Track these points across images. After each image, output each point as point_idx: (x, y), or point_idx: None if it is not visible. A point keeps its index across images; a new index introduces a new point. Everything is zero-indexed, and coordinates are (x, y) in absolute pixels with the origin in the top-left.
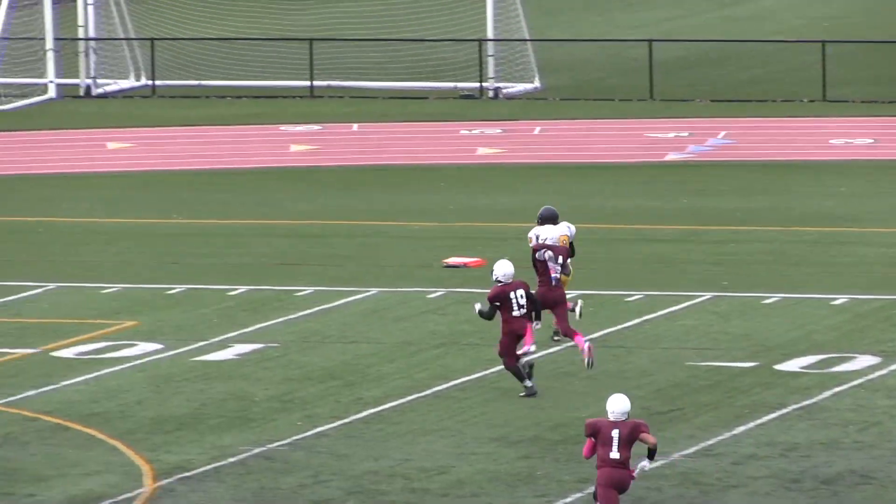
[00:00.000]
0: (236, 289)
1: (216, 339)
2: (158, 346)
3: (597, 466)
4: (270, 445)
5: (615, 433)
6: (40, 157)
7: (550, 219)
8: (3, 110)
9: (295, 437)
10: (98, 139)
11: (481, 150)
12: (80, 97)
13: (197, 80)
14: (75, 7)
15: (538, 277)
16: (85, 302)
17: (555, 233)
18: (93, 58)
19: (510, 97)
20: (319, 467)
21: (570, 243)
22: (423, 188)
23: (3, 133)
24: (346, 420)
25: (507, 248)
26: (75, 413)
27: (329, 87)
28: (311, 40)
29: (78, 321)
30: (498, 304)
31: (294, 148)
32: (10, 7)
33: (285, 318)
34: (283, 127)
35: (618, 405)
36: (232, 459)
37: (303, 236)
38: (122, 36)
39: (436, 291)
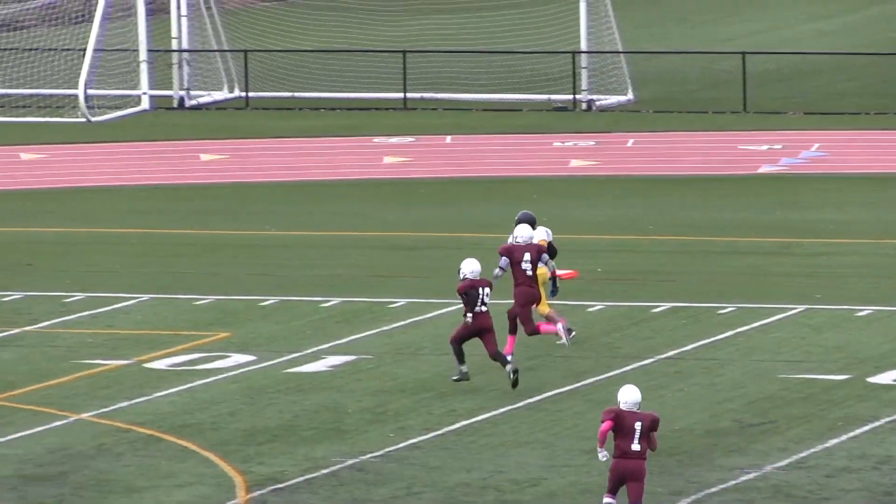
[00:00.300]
0: (329, 300)
1: (309, 351)
2: (251, 358)
3: (615, 456)
4: (363, 457)
5: (638, 425)
6: (133, 168)
7: (529, 222)
8: (96, 122)
9: (387, 449)
10: (191, 151)
11: (574, 162)
12: (174, 109)
13: (290, 91)
14: (169, 19)
15: (514, 279)
16: (178, 313)
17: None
18: (186, 69)
19: (603, 109)
20: (412, 479)
21: (549, 244)
22: (516, 200)
23: (96, 144)
24: (438, 432)
25: (598, 259)
26: (168, 424)
27: (422, 98)
28: (404, 52)
29: (171, 333)
30: (465, 296)
31: (387, 160)
32: (104, 19)
33: (378, 329)
34: (376, 139)
35: (632, 396)
36: (324, 471)
37: (395, 248)
38: (215, 47)
39: None
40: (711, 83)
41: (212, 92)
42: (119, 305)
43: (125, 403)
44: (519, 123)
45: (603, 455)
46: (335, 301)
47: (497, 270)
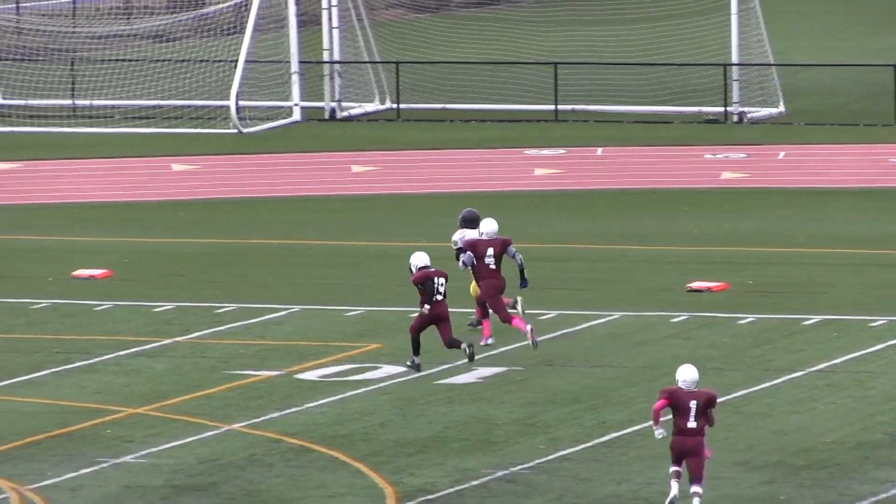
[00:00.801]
0: None
1: (460, 362)
2: (402, 369)
3: (673, 434)
4: (513, 469)
5: (693, 404)
6: (285, 179)
7: (472, 221)
8: (248, 133)
9: (538, 461)
10: (343, 162)
11: (725, 175)
12: (325, 120)
13: (441, 103)
14: (320, 30)
15: (475, 273)
16: (328, 324)
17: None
18: (337, 81)
19: (755, 121)
20: (562, 491)
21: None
22: (667, 212)
23: (247, 156)
24: (588, 444)
25: (749, 272)
26: (319, 435)
27: (573, 110)
28: (555, 64)
29: (322, 344)
30: (421, 286)
31: (538, 171)
32: (256, 30)
33: (528, 341)
34: (527, 150)
35: (689, 374)
36: (474, 483)
37: (546, 260)
38: (366, 59)
39: (679, 315)
40: (863, 95)
41: (363, 103)
42: (270, 316)
43: (276, 414)
44: (670, 135)
45: (658, 432)
46: None
47: (461, 265)
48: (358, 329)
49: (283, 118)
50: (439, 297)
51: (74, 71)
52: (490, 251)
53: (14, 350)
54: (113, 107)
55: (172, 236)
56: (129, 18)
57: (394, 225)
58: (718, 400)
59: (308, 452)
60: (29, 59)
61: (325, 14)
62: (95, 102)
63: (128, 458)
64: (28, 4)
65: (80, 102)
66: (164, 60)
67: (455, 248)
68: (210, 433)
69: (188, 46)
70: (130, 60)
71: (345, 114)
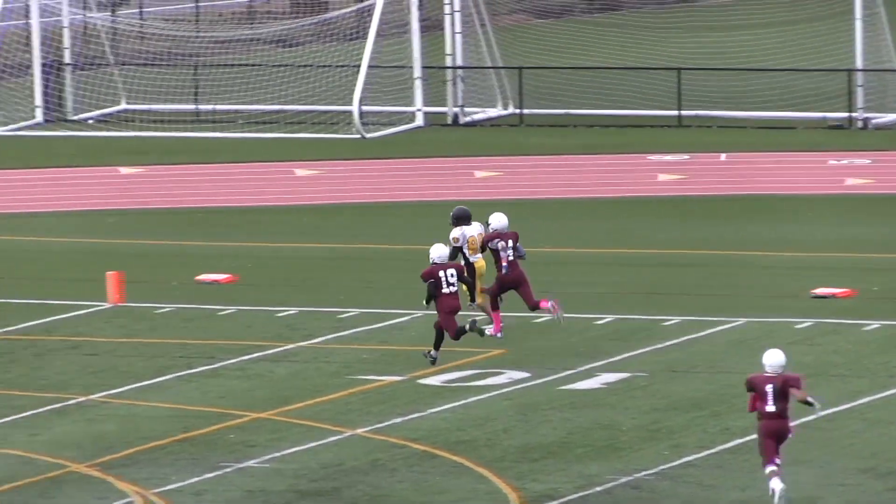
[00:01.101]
0: (603, 318)
1: (583, 368)
2: (525, 375)
3: (757, 419)
4: (637, 475)
5: (769, 388)
6: (407, 184)
7: (465, 218)
8: (370, 138)
9: (662, 467)
10: (466, 167)
11: (850, 181)
12: (448, 125)
13: (564, 108)
14: (443, 35)
15: (496, 265)
16: None
17: (471, 231)
18: (460, 86)
19: (879, 127)
20: (687, 497)
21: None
22: (791, 218)
23: (370, 161)
24: (713, 450)
25: (875, 278)
26: (442, 440)
27: (697, 116)
28: (679, 69)
29: (445, 349)
30: (432, 281)
31: (662, 177)
32: (379, 35)
33: (652, 347)
34: (650, 156)
35: (773, 359)
36: (598, 489)
37: (670, 266)
38: (489, 64)
39: (804, 322)
40: None
41: (486, 109)
42: (393, 321)
43: (399, 419)
44: (793, 141)
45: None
46: (609, 318)
47: (503, 253)
48: None
49: (406, 123)
50: (449, 290)
51: (197, 76)
52: (509, 243)
53: (138, 354)
54: (236, 111)
55: (296, 241)
56: (251, 23)
57: (516, 230)
58: (844, 406)
59: (431, 458)
60: (152, 64)
61: (447, 19)
62: (218, 107)
63: (251, 463)
64: (151, 9)
65: (203, 107)
66: (286, 65)
67: (455, 245)
68: (333, 438)
69: (311, 51)
70: (253, 65)
71: (468, 119)
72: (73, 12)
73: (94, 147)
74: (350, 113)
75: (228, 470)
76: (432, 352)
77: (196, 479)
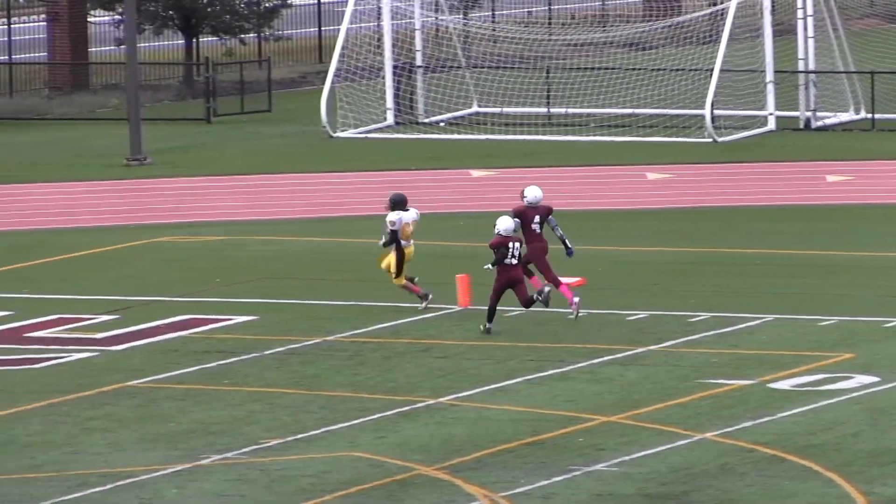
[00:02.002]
0: None
1: None
2: (875, 379)
3: None
4: None
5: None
6: (759, 188)
7: (402, 203)
8: (722, 142)
9: None
10: (817, 171)
11: None
12: (799, 129)
13: None
14: (795, 40)
15: (525, 239)
16: (802, 334)
17: (407, 217)
18: (812, 91)
19: None
20: None
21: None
22: None
23: (722, 165)
24: None
25: None
26: (791, 445)
27: None
28: None
29: (795, 353)
30: (496, 251)
31: None
32: (731, 39)
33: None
34: None
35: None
36: None
37: None
38: (841, 69)
39: None
40: None
41: (837, 113)
42: (743, 325)
43: (749, 423)
44: None
45: None
46: None
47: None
48: (831, 339)
49: (758, 127)
50: (513, 262)
51: (550, 79)
52: (537, 218)
53: (487, 357)
54: (588, 115)
55: (647, 245)
56: (604, 26)
57: (866, 235)
58: None
59: (780, 462)
60: (504, 68)
61: (800, 24)
62: (570, 110)
63: (600, 467)
64: (504, 12)
65: (555, 110)
66: (639, 69)
67: (392, 228)
68: (682, 442)
69: (663, 55)
70: (605, 69)
71: (819, 123)
72: (425, 15)
73: (444, 149)
74: (702, 117)
75: (577, 473)
76: (487, 325)
77: (545, 482)
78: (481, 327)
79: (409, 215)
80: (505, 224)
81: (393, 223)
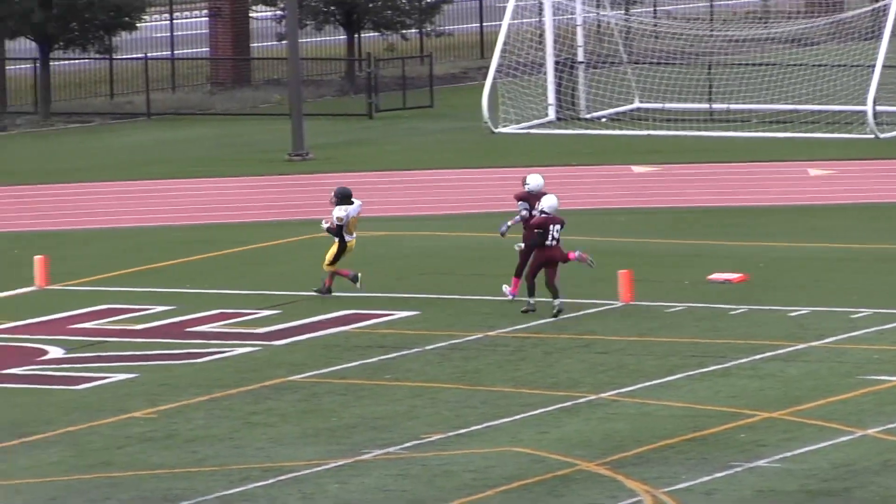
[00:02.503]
0: None
1: None
2: None
3: None
4: None
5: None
6: None
7: (347, 197)
8: (884, 138)
9: None
10: None
11: None
12: None
13: None
14: None
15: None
16: None
17: (354, 211)
18: None
19: None
20: None
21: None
22: None
23: (884, 161)
24: None
25: None
26: None
27: None
28: None
29: None
30: (540, 231)
31: None
32: (894, 35)
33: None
34: None
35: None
36: None
37: None
38: None
39: None
40: None
41: None
42: None
43: None
44: None
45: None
46: None
47: (518, 218)
48: None
49: None
50: (553, 243)
51: (711, 75)
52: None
53: (649, 353)
54: (749, 111)
55: (809, 241)
56: (766, 22)
57: None
58: None
59: None
60: (665, 63)
61: None
62: (732, 106)
63: (761, 463)
64: (665, 8)
65: (716, 106)
66: (800, 65)
67: (339, 223)
68: (844, 438)
69: (825, 51)
70: (767, 65)
71: None
72: (587, 10)
73: (606, 145)
74: (864, 113)
75: (739, 469)
76: (531, 301)
77: (706, 477)
78: (523, 309)
79: (354, 209)
80: (550, 202)
81: (341, 219)
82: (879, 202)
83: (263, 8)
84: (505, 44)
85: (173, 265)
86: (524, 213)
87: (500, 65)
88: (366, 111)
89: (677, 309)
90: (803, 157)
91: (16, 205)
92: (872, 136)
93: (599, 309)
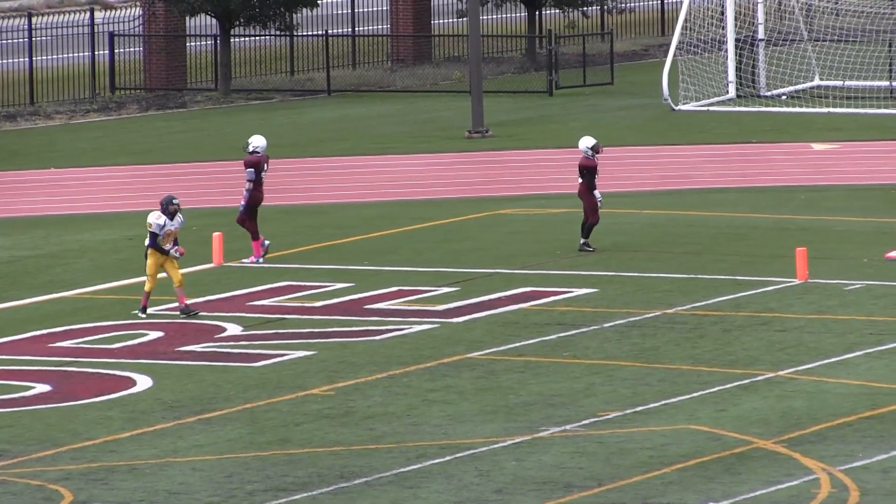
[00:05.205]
0: None
1: None
2: None
3: None
4: None
5: None
6: None
7: (167, 205)
8: None
9: None
10: None
11: None
12: None
13: None
14: None
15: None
16: None
17: (173, 225)
18: None
19: None
20: None
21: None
22: None
23: None
24: None
25: None
26: None
27: None
28: None
29: None
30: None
31: None
32: None
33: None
34: None
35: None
36: None
37: None
38: None
39: None
40: None
41: None
42: None
43: None
44: None
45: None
46: None
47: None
48: None
49: None
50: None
51: (892, 52)
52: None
53: (827, 331)
54: None
55: None
56: None
57: None
58: None
59: None
60: (846, 41)
61: None
62: None
63: None
64: None
65: None
66: None
67: (151, 230)
68: None
69: None
70: None
71: None
72: None
73: (786, 122)
74: None
75: None
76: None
77: (883, 455)
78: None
79: (175, 223)
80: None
81: (150, 224)
82: None
83: None
84: (686, 21)
85: (352, 241)
86: None
87: (680, 42)
88: (546, 88)
89: (856, 287)
90: None
91: (203, 181)
92: None
93: (778, 287)
